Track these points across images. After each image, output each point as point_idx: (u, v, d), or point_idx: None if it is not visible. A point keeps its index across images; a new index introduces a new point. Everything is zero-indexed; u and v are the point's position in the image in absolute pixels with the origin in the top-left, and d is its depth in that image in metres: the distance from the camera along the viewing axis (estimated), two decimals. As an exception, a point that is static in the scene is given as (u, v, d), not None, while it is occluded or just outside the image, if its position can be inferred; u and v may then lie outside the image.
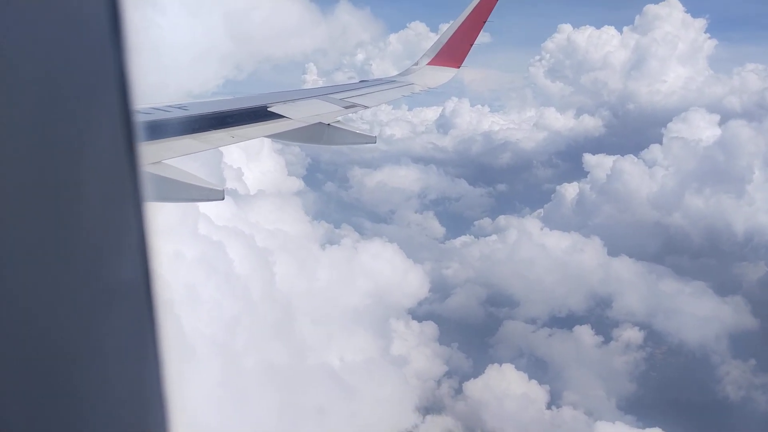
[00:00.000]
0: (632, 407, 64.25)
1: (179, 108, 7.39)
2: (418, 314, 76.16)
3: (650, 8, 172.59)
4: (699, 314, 76.51)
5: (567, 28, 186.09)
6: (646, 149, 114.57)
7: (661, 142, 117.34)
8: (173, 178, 5.93)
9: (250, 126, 7.17)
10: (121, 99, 1.02)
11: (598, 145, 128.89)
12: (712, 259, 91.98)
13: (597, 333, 76.02)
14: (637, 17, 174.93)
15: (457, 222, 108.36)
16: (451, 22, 13.71)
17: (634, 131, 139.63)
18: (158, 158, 6.38)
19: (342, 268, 72.27)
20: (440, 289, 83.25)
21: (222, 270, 49.96)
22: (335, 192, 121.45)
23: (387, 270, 77.46)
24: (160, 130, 6.78)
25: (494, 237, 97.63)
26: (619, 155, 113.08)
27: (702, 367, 71.16)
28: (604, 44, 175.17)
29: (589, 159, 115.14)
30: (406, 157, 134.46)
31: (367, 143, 8.86)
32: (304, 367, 47.50)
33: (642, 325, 76.89)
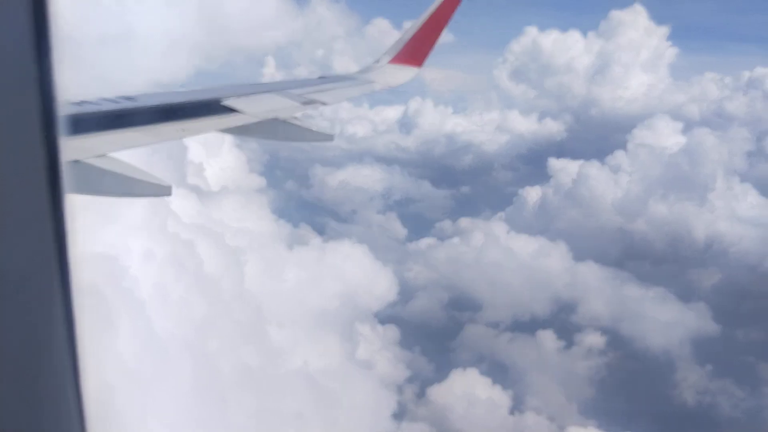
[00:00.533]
0: (594, 412, 65.46)
1: (128, 99, 7.14)
2: (380, 317, 76.08)
3: (615, 14, 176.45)
4: (661, 319, 78.61)
5: (533, 31, 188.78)
6: (610, 155, 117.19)
7: (624, 148, 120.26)
8: (118, 171, 5.72)
9: (201, 120, 6.97)
10: (39, 89, 0.97)
11: (561, 149, 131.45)
12: (674, 265, 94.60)
13: (559, 338, 77.25)
14: (602, 22, 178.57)
15: (419, 223, 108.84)
16: (414, 20, 13.67)
17: (596, 136, 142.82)
18: (102, 151, 6.14)
19: (307, 268, 71.69)
20: (402, 292, 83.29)
21: (188, 269, 49.21)
22: (296, 190, 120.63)
23: (352, 272, 77.21)
24: (106, 122, 6.53)
25: (457, 239, 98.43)
26: (582, 160, 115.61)
27: (663, 372, 73.08)
28: (568, 48, 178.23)
29: (554, 163, 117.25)
30: (369, 157, 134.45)
31: (324, 141, 8.73)
32: (265, 371, 46.87)
33: (604, 330, 78.42)
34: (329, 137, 8.18)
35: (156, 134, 6.49)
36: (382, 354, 68.91)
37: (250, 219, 72.12)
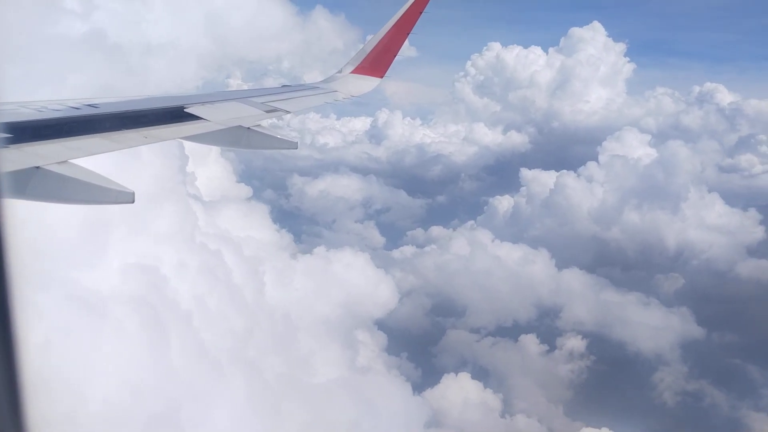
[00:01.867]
0: (579, 414, 66.77)
1: (90, 106, 7.09)
2: (367, 323, 76.04)
3: (575, 31, 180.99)
4: (640, 323, 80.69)
5: (496, 46, 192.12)
6: (576, 165, 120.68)
7: (588, 159, 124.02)
8: (78, 178, 5.68)
9: (164, 127, 6.97)
10: None
11: (526, 160, 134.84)
12: (644, 271, 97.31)
13: (542, 341, 78.93)
14: (563, 39, 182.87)
15: (396, 232, 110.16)
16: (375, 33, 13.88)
17: (558, 148, 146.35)
18: (64, 158, 6.10)
19: (307, 276, 71.40)
20: (387, 298, 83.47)
21: (214, 278, 48.86)
22: (276, 200, 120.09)
23: (344, 279, 77.57)
24: (67, 128, 6.48)
25: (433, 247, 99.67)
26: (548, 170, 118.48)
27: (641, 374, 74.89)
28: (530, 63, 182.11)
29: (522, 173, 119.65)
30: (343, 166, 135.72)
31: (288, 149, 8.80)
32: (266, 379, 45.91)
33: (585, 334, 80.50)
34: (293, 144, 8.26)
35: (118, 141, 6.47)
36: (370, 359, 68.78)
37: (252, 228, 71.32)
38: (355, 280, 79.73)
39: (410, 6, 13.39)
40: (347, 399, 49.59)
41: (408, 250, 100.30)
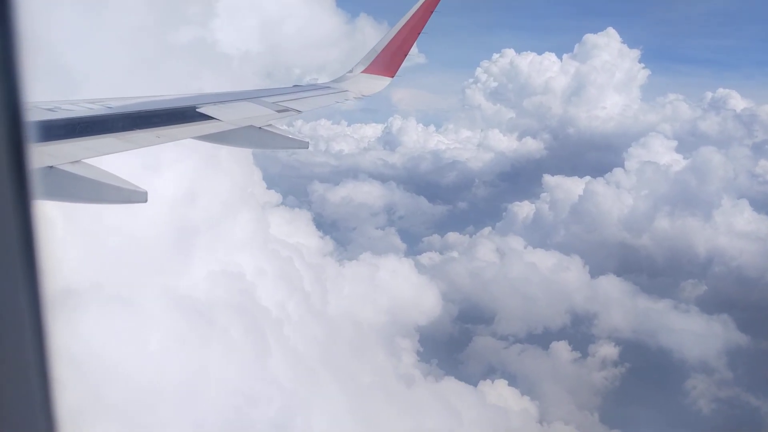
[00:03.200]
0: (615, 421, 66.50)
1: (103, 106, 7.11)
2: (399, 329, 75.65)
3: (589, 37, 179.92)
4: (673, 329, 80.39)
5: (510, 52, 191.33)
6: (595, 171, 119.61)
7: (602, 166, 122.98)
8: (92, 178, 5.69)
9: (177, 126, 6.98)
10: (4, 95, 0.97)
11: (542, 166, 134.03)
12: (672, 277, 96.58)
13: (574, 349, 78.47)
14: (577, 45, 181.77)
15: (416, 238, 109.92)
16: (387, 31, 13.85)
17: (574, 154, 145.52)
18: (77, 157, 6.11)
19: (351, 282, 71.86)
20: (418, 305, 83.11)
21: (274, 283, 49.97)
22: (298, 206, 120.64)
23: (393, 287, 77.95)
24: (80, 128, 6.49)
25: (455, 253, 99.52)
26: (570, 176, 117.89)
27: (676, 380, 74.50)
28: (545, 70, 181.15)
29: (547, 179, 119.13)
30: (360, 173, 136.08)
31: (299, 148, 8.79)
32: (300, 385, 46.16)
33: (618, 341, 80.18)
34: (305, 144, 8.25)
35: (131, 141, 6.48)
36: (407, 366, 68.49)
37: (300, 234, 71.63)
38: (396, 286, 79.93)
39: (421, 6, 13.36)
40: (391, 404, 49.43)
41: (432, 256, 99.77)
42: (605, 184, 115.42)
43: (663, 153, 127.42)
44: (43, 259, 1.02)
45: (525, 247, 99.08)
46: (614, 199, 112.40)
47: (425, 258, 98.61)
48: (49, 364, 1.03)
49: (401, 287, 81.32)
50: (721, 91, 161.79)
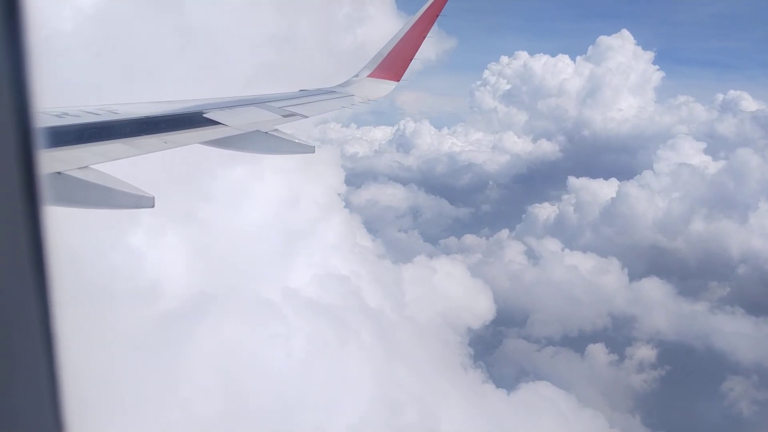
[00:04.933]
0: (656, 424, 66.25)
1: (110, 111, 7.15)
2: (459, 333, 75.50)
3: (603, 39, 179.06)
4: (710, 331, 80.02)
5: (523, 54, 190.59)
6: (612, 173, 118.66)
7: (619, 167, 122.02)
8: (99, 183, 5.72)
9: (184, 132, 7.01)
10: (16, 102, 0.98)
11: (559, 168, 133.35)
12: (701, 279, 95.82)
13: (611, 351, 78.12)
14: (591, 47, 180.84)
15: (439, 240, 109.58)
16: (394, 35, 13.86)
17: (590, 156, 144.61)
18: (85, 163, 6.15)
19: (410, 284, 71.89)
20: (458, 307, 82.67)
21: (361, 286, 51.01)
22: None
23: (447, 289, 77.91)
24: (88, 134, 6.54)
25: (479, 255, 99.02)
26: (588, 178, 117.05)
27: (716, 381, 74.01)
28: (558, 72, 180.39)
29: (573, 182, 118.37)
30: (382, 176, 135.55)
31: (305, 153, 8.81)
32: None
33: (656, 343, 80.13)
34: (311, 148, 8.26)
35: (138, 146, 6.51)
36: (449, 366, 67.99)
37: (355, 237, 71.75)
38: (451, 289, 79.73)
39: (427, 9, 13.37)
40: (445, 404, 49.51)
41: (459, 258, 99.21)
42: (634, 186, 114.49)
43: (692, 155, 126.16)
44: (52, 264, 1.03)
45: (555, 249, 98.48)
46: (645, 201, 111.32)
47: (454, 260, 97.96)
48: (58, 367, 1.05)
49: (439, 288, 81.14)
50: (733, 93, 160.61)
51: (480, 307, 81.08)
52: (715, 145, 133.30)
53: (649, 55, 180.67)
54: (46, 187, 1.03)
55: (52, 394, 1.05)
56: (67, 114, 6.71)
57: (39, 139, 1.01)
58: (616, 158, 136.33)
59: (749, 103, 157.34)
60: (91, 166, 6.18)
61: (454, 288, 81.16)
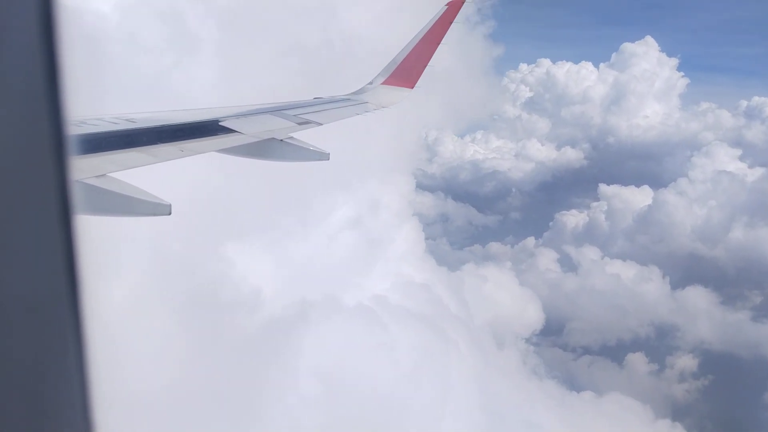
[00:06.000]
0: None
1: (127, 120, 7.23)
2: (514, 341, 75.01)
3: (627, 46, 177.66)
4: (755, 340, 78.78)
5: (545, 62, 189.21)
6: (670, 181, 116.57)
7: (645, 174, 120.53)
8: (117, 191, 5.78)
9: (200, 140, 7.07)
10: (50, 109, 1.00)
11: (584, 175, 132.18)
12: (745, 288, 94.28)
13: (651, 360, 77.37)
14: (614, 54, 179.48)
15: (469, 248, 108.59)
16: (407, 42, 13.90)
17: (614, 164, 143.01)
18: (102, 171, 6.21)
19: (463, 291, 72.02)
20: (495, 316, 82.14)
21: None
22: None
23: (498, 298, 77.70)
24: (105, 143, 6.61)
25: (509, 263, 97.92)
26: (613, 185, 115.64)
27: (760, 390, 72.78)
28: (582, 79, 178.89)
29: (604, 189, 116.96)
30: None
31: (320, 160, 8.84)
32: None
33: (697, 352, 79.15)
34: (325, 156, 8.29)
35: (155, 154, 6.57)
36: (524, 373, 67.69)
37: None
38: (501, 298, 79.39)
39: (441, 16, 13.39)
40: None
41: (497, 266, 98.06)
42: (669, 193, 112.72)
43: (727, 162, 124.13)
44: (85, 271, 1.05)
45: (589, 257, 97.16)
46: (681, 208, 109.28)
47: (499, 268, 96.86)
48: (88, 373, 1.07)
49: (510, 299, 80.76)
50: (757, 99, 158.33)
51: (527, 316, 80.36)
52: (746, 152, 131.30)
53: (674, 61, 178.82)
54: (77, 194, 1.05)
55: (83, 395, 1.07)
56: (84, 123, 6.79)
57: (71, 147, 1.04)
58: (642, 165, 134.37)
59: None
60: (108, 174, 6.24)
61: (500, 296, 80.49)
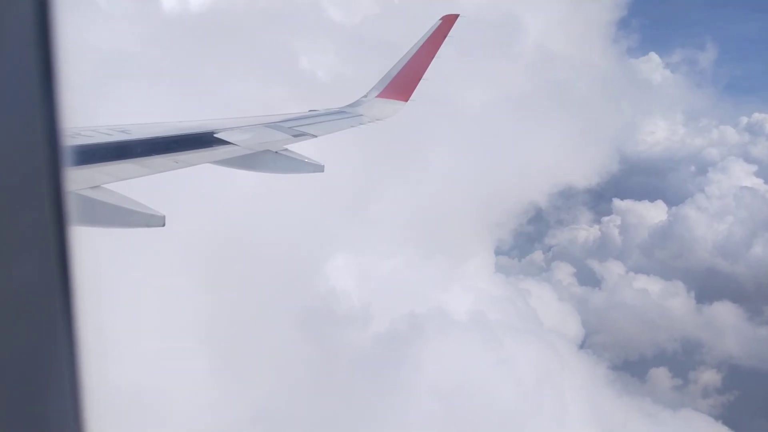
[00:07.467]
0: None
1: (122, 131, 7.22)
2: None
3: (630, 63, 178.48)
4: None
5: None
6: (686, 197, 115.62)
7: (653, 190, 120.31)
8: (111, 202, 5.77)
9: (194, 152, 7.06)
10: (46, 120, 1.00)
11: (587, 191, 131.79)
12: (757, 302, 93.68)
13: (675, 375, 76.68)
14: None
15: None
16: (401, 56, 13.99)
17: (619, 179, 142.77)
18: (96, 182, 6.20)
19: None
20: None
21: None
22: None
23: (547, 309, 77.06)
24: (99, 154, 6.60)
25: (520, 276, 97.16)
26: (644, 200, 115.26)
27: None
28: None
29: (618, 203, 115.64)
30: None
31: (315, 172, 8.85)
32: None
33: (723, 368, 78.53)
34: (320, 167, 8.31)
35: (149, 166, 6.56)
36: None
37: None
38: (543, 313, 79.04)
39: (435, 30, 13.49)
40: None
41: (503, 278, 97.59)
42: (686, 208, 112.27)
43: (743, 177, 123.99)
44: (78, 280, 1.06)
45: (606, 271, 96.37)
46: (698, 223, 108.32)
47: (497, 280, 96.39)
48: (81, 379, 1.07)
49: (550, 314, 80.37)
50: (757, 116, 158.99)
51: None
52: (761, 167, 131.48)
53: (678, 78, 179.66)
54: (71, 205, 1.05)
55: (74, 399, 1.07)
56: (78, 134, 6.78)
57: (67, 158, 1.05)
58: (651, 181, 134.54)
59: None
60: (102, 186, 6.23)
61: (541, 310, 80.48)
